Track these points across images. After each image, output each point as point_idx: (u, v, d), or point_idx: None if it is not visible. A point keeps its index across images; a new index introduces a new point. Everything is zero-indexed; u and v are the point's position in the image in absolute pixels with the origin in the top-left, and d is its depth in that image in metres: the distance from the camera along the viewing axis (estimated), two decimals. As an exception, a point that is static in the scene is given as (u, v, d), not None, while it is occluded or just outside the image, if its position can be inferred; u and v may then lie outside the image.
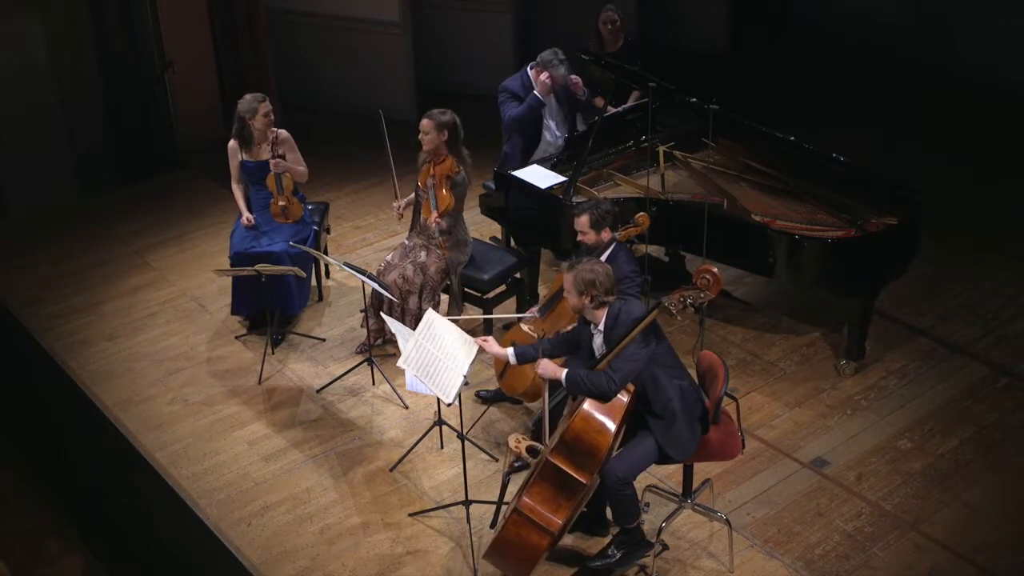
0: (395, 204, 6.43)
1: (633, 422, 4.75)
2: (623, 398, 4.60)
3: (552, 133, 7.06)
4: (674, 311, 4.49)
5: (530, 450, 4.75)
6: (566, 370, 4.66)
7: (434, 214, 6.14)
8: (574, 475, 4.55)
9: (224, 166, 6.77)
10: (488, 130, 7.46)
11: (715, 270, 4.51)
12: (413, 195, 6.44)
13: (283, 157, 6.55)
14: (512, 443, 4.76)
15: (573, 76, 6.92)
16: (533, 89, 6.90)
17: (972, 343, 6.49)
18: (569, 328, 5.15)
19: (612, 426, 4.54)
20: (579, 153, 6.57)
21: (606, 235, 5.41)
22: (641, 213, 5.55)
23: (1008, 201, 7.93)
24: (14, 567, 5.45)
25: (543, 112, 6.98)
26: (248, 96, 6.51)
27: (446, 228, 6.23)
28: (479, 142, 6.99)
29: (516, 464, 5.32)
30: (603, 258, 5.30)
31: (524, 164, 6.83)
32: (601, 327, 4.68)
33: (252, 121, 6.47)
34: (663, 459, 4.76)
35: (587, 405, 4.57)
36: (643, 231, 5.56)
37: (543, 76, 6.82)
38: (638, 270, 5.47)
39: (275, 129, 6.58)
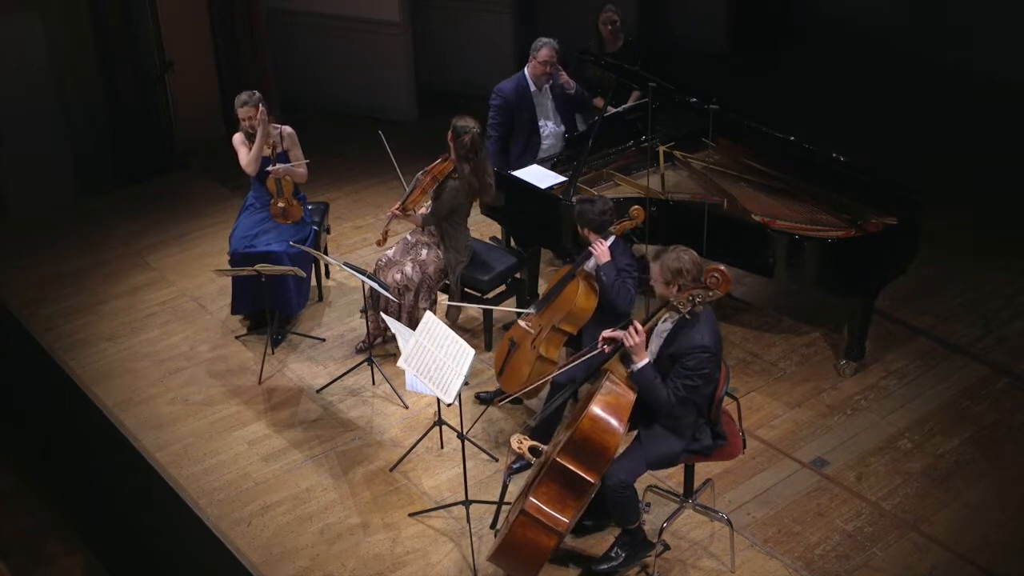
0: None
1: (635, 424, 4.76)
2: (630, 396, 4.60)
3: (550, 131, 7.06)
4: (683, 310, 4.49)
5: (533, 450, 4.75)
6: (648, 360, 4.58)
7: (397, 204, 6.21)
8: (582, 475, 4.55)
9: (224, 166, 6.77)
10: (489, 130, 7.45)
11: (723, 268, 4.50)
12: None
13: (286, 153, 6.55)
14: (515, 443, 4.75)
15: (561, 74, 6.95)
16: (529, 89, 6.92)
17: (972, 343, 6.49)
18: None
19: (620, 426, 4.53)
20: (579, 153, 6.57)
21: (585, 234, 5.42)
22: (636, 206, 5.54)
23: (1008, 201, 7.94)
24: (14, 567, 5.45)
25: (536, 113, 6.98)
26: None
27: (425, 223, 6.26)
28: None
29: (515, 466, 5.33)
30: None
31: (519, 166, 6.82)
32: (671, 322, 4.65)
33: (240, 112, 6.45)
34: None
35: (595, 406, 4.56)
36: (638, 224, 5.55)
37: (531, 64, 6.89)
38: (634, 264, 5.47)
39: (278, 126, 6.58)
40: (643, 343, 4.57)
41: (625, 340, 4.57)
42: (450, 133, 6.14)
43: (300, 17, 9.55)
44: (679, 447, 4.69)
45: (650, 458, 4.68)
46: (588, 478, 4.56)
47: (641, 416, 4.72)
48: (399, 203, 6.24)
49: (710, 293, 4.49)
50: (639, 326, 4.57)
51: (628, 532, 4.85)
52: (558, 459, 4.58)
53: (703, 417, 4.70)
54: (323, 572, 5.06)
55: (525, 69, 6.96)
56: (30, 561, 5.57)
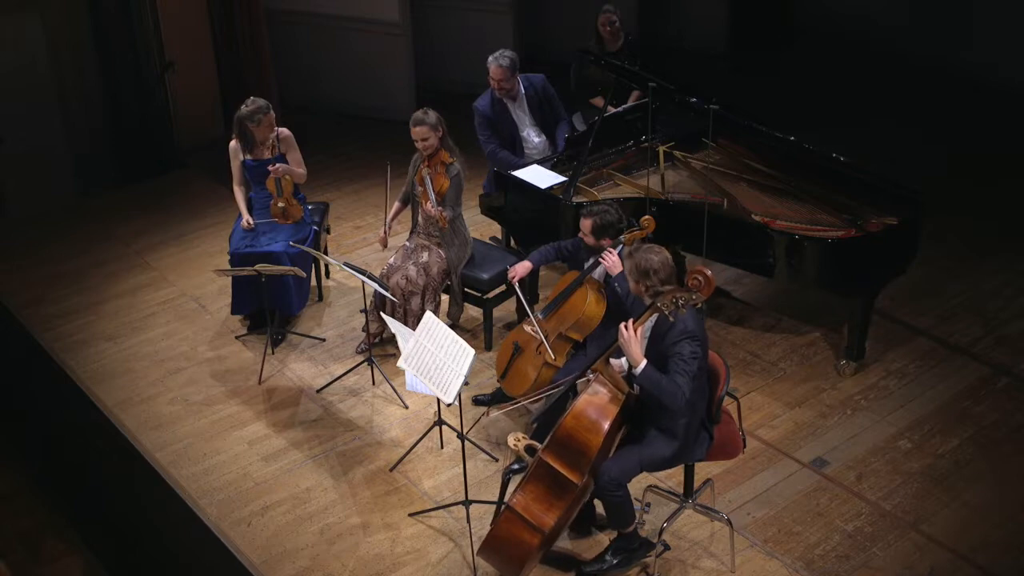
0: (381, 233, 6.42)
1: (632, 425, 4.75)
2: (618, 398, 4.59)
3: (532, 144, 7.05)
4: (666, 312, 4.48)
5: (528, 449, 4.76)
6: (646, 361, 4.47)
7: (431, 202, 6.12)
8: (565, 474, 4.55)
9: (224, 166, 6.78)
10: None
11: (708, 272, 4.49)
12: (395, 209, 6.47)
13: (284, 155, 6.56)
14: (511, 442, 4.76)
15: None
16: (503, 102, 6.92)
17: (972, 343, 6.49)
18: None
19: (604, 425, 4.52)
20: (579, 153, 6.58)
21: (605, 243, 5.42)
22: (646, 216, 5.55)
23: (1008, 201, 7.94)
24: (14, 567, 5.45)
25: (515, 123, 6.97)
26: (252, 105, 6.46)
27: (449, 217, 6.20)
28: (479, 141, 7.01)
29: (515, 467, 5.32)
30: None
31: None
32: (652, 322, 4.64)
33: (255, 128, 6.45)
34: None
35: (580, 403, 4.56)
36: (648, 234, 5.57)
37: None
38: None
39: (276, 128, 6.58)
40: (636, 339, 4.48)
41: (619, 335, 4.54)
42: (438, 126, 6.10)
43: (300, 17, 9.56)
44: (670, 451, 4.68)
45: (643, 459, 4.67)
46: (571, 478, 4.55)
47: (636, 417, 4.71)
48: (429, 200, 6.15)
49: (693, 296, 4.48)
50: (630, 323, 4.53)
51: (623, 537, 4.83)
52: (543, 456, 4.59)
53: (698, 418, 4.69)
54: (323, 572, 5.06)
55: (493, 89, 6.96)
56: (30, 561, 5.57)
